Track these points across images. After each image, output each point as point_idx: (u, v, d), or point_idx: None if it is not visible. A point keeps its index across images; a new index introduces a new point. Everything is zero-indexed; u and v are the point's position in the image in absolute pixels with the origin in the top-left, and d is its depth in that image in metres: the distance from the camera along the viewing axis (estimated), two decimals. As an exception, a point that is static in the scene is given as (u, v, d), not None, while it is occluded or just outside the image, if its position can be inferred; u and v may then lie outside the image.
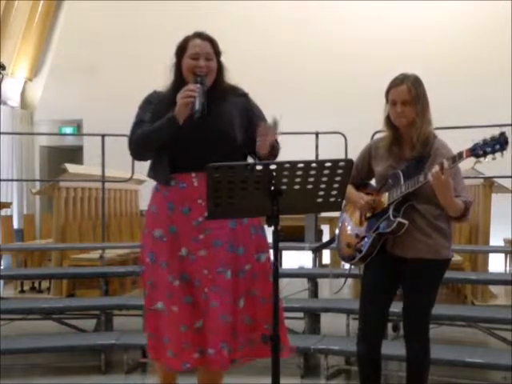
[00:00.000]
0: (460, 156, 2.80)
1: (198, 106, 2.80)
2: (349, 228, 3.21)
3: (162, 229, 2.94)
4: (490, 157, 2.71)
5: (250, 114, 3.04)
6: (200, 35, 2.99)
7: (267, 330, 2.79)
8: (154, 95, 3.05)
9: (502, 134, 2.68)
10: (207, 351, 2.86)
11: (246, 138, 2.98)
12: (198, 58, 2.93)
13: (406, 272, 3.06)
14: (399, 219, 2.95)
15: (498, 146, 2.68)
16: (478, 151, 2.73)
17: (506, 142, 2.67)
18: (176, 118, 2.83)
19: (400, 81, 3.00)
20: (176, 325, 2.89)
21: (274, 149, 2.91)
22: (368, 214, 3.11)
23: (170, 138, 2.88)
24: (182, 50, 2.97)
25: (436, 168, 2.79)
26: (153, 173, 3.02)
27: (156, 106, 2.98)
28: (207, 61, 2.94)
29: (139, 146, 2.96)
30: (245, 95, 3.09)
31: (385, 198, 3.05)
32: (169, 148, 2.91)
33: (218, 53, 3.01)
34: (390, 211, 2.98)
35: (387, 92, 3.04)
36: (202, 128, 2.89)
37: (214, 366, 2.88)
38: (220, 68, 3.02)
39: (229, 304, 2.88)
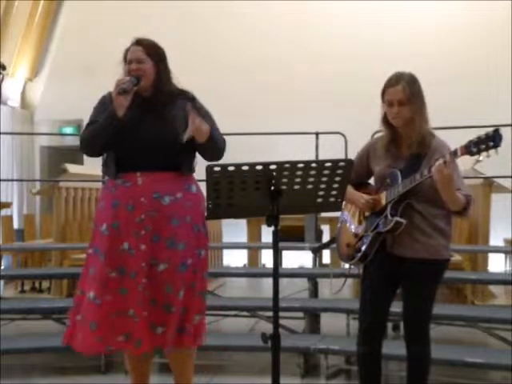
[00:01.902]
0: (455, 153, 2.80)
1: (127, 87, 3.02)
2: (348, 228, 3.21)
3: (107, 223, 3.12)
4: (484, 154, 2.71)
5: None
6: (134, 42, 3.20)
7: (194, 321, 3.11)
8: (108, 97, 3.21)
9: (496, 131, 2.69)
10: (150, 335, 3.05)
11: (191, 140, 3.10)
12: (131, 62, 3.16)
13: (406, 272, 3.06)
14: (397, 218, 2.96)
15: (491, 143, 2.68)
16: (472, 148, 2.73)
17: (500, 139, 2.68)
18: (114, 110, 3.02)
19: (395, 81, 3.00)
20: (107, 312, 3.08)
21: (213, 139, 3.08)
22: (366, 214, 3.12)
23: (113, 132, 3.05)
24: (124, 59, 3.21)
25: (439, 161, 2.78)
26: (104, 168, 3.20)
27: (109, 107, 3.11)
28: (138, 64, 3.14)
29: (87, 142, 3.16)
30: (193, 99, 3.22)
31: (383, 197, 3.05)
32: (116, 148, 3.11)
33: (153, 55, 3.17)
34: (388, 210, 2.99)
35: (383, 92, 3.04)
36: (145, 130, 3.10)
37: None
38: (159, 71, 3.17)
39: (166, 294, 3.07)
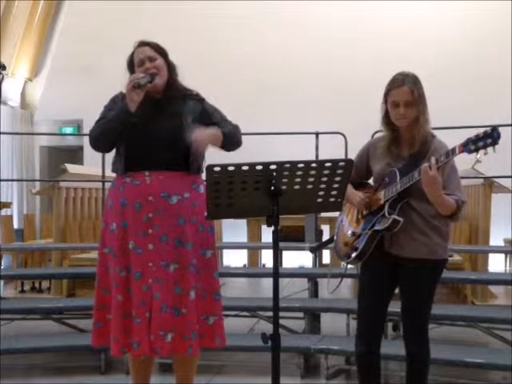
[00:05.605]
0: (453, 151, 2.81)
1: (141, 81, 3.02)
2: (346, 227, 3.21)
3: (116, 222, 3.12)
4: (482, 152, 2.73)
5: (204, 114, 3.21)
6: (139, 44, 3.21)
7: (204, 322, 3.14)
8: (120, 96, 3.20)
9: (494, 129, 2.70)
10: (149, 337, 3.06)
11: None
12: (143, 63, 3.16)
13: (404, 272, 3.05)
14: (394, 216, 2.95)
15: (489, 141, 2.70)
16: (471, 146, 2.74)
17: (498, 137, 2.69)
18: (126, 105, 3.02)
19: (401, 82, 2.98)
20: (119, 312, 3.09)
21: (227, 139, 3.13)
22: (364, 212, 3.12)
23: (124, 128, 3.05)
24: (131, 64, 3.21)
25: (425, 164, 2.80)
26: (114, 167, 3.20)
27: (121, 104, 3.12)
28: (152, 62, 3.16)
29: (97, 136, 3.14)
30: (202, 100, 3.26)
31: (381, 195, 3.05)
32: (125, 146, 3.10)
33: (162, 53, 3.20)
34: (386, 208, 2.99)
35: (387, 93, 3.03)
36: (156, 129, 3.10)
37: (159, 351, 3.06)
38: (170, 67, 3.21)
39: (174, 295, 3.07)
